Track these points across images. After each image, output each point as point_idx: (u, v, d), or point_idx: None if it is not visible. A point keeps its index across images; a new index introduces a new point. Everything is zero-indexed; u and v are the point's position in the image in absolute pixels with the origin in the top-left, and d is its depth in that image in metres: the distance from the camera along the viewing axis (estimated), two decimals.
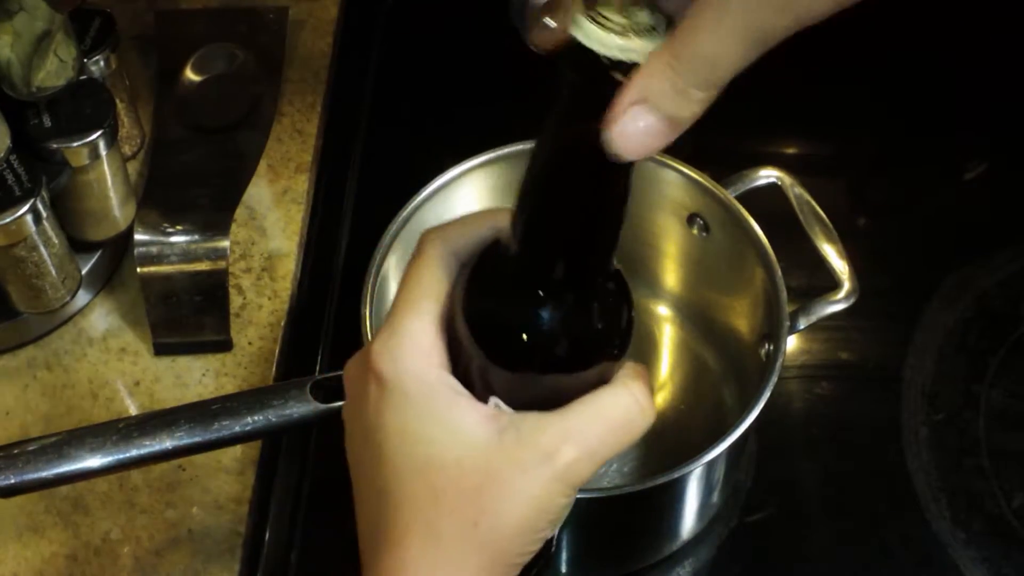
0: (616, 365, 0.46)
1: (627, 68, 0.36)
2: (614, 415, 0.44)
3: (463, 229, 0.46)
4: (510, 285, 0.44)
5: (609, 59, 0.35)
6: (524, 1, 0.36)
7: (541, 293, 0.43)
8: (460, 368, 0.45)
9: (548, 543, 0.50)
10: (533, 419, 0.43)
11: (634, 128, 0.37)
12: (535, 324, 0.43)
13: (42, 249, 0.70)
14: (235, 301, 0.77)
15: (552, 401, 0.44)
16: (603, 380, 0.45)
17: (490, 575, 0.42)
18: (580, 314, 0.44)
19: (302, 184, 0.84)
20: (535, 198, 0.42)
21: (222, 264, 0.74)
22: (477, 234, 0.46)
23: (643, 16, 0.36)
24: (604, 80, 0.36)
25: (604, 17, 0.35)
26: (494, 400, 0.44)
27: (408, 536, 0.43)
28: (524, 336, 0.43)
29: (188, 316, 0.74)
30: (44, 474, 0.56)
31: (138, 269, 0.73)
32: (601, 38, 0.35)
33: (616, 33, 0.35)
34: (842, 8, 0.35)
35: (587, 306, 0.44)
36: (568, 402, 0.44)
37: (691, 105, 0.37)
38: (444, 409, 0.43)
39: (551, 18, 0.35)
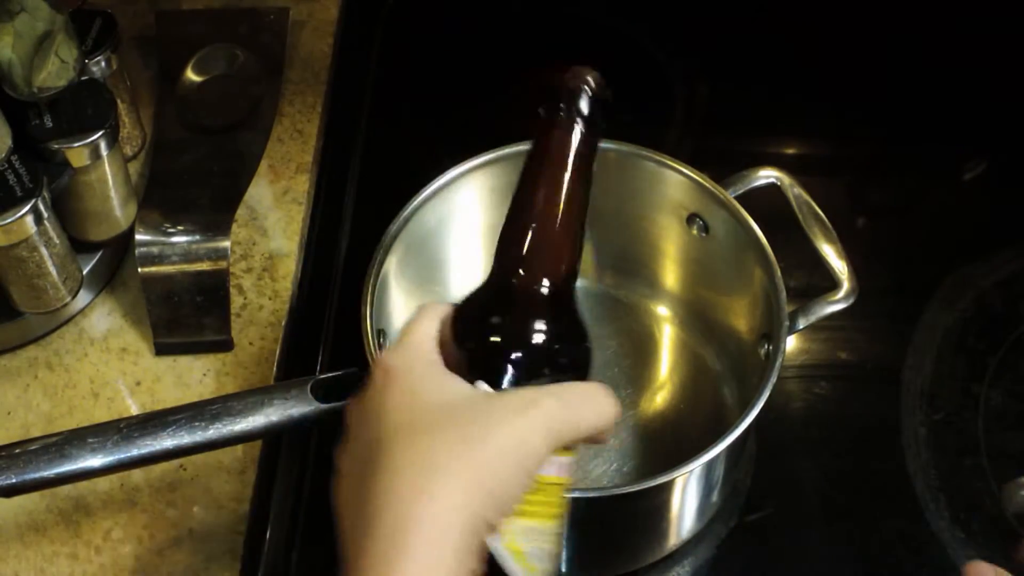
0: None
1: None
2: (589, 390, 0.50)
3: (447, 306, 0.53)
4: (494, 318, 0.51)
5: None
6: None
7: (522, 322, 0.50)
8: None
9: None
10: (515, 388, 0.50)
11: None
12: (519, 349, 0.50)
13: (43, 249, 0.70)
14: (236, 301, 0.77)
15: None
16: None
17: (479, 496, 0.45)
18: (561, 334, 0.51)
19: (302, 184, 0.84)
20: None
21: (223, 264, 0.74)
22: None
23: None
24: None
25: None
26: (480, 382, 0.49)
27: (406, 466, 0.46)
28: (507, 360, 0.50)
29: (189, 316, 0.75)
30: (45, 473, 0.56)
31: (139, 269, 0.74)
32: None
33: None
34: None
35: (570, 328, 0.52)
36: None
37: None
38: (440, 378, 0.49)
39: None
